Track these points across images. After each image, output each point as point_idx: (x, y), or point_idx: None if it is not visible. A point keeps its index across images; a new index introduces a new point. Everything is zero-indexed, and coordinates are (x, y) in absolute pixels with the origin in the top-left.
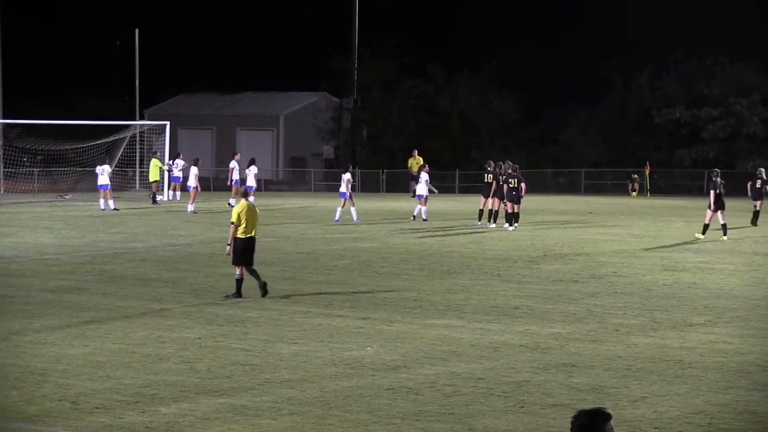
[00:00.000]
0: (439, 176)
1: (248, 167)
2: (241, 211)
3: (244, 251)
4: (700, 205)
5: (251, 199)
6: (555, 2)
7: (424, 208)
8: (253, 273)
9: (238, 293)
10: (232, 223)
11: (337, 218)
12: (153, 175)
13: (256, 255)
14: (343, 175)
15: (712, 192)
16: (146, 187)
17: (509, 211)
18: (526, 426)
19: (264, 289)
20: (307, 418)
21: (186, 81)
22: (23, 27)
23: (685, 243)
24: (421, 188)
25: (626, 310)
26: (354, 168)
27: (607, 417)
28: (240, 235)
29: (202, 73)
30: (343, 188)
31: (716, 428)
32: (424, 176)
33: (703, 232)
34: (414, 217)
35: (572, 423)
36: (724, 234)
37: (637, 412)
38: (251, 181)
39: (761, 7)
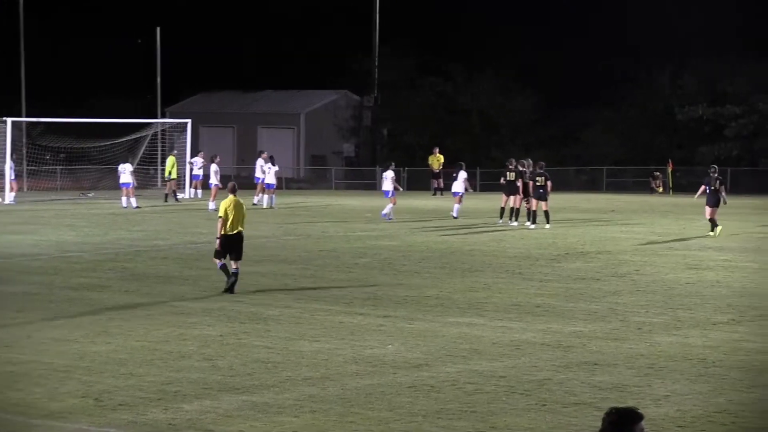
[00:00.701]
0: None
1: (267, 164)
2: (228, 207)
3: (228, 246)
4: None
5: (264, 197)
6: (576, 1)
7: (457, 206)
8: (233, 273)
9: (230, 287)
10: (220, 217)
11: (389, 215)
12: (168, 173)
13: (244, 250)
14: (385, 173)
15: (704, 187)
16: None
17: (533, 208)
18: (548, 424)
19: (229, 290)
20: (328, 415)
21: (207, 79)
22: (45, 26)
23: (708, 240)
24: (458, 186)
25: (649, 308)
26: (375, 166)
27: (638, 417)
28: (230, 231)
29: (223, 72)
30: (388, 186)
31: (739, 427)
32: (463, 174)
33: (712, 229)
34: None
35: (603, 420)
36: (711, 230)
37: (660, 410)
38: (271, 179)
39: None
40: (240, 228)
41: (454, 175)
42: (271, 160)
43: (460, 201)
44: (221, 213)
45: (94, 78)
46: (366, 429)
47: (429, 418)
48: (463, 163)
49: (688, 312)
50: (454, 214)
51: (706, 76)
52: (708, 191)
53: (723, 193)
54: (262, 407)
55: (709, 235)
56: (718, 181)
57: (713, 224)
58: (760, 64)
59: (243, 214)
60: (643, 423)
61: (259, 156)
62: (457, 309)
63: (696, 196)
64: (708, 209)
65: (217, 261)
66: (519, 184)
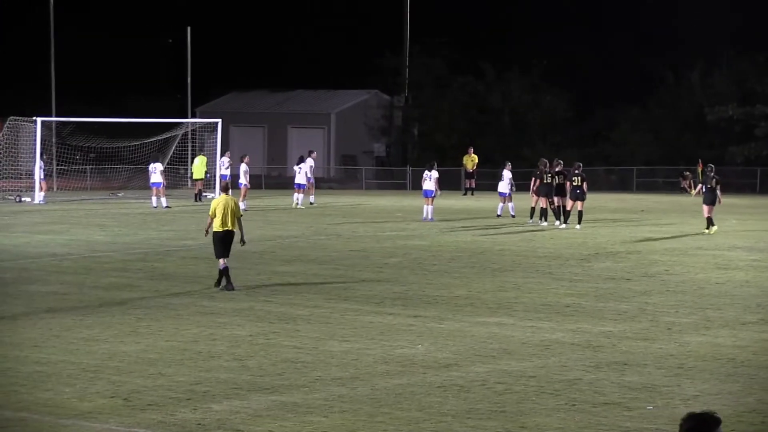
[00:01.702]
0: (490, 174)
1: (298, 165)
2: (217, 205)
3: (222, 243)
4: (753, 203)
5: (295, 195)
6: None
7: (511, 204)
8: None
9: (229, 284)
10: (210, 215)
11: (430, 217)
12: (198, 173)
13: (232, 247)
14: (428, 173)
15: (701, 185)
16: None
17: (569, 208)
18: (577, 424)
19: (218, 285)
20: (357, 415)
21: (237, 79)
22: (75, 26)
23: (738, 240)
24: (503, 186)
25: (678, 308)
26: (406, 165)
27: (716, 423)
28: (217, 228)
29: (254, 71)
30: (430, 186)
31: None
32: (507, 174)
33: (708, 227)
34: (499, 215)
35: (680, 426)
36: (707, 228)
37: (690, 410)
38: (302, 179)
39: None
40: (231, 226)
41: (501, 174)
42: (300, 159)
43: (510, 200)
44: (210, 211)
45: (124, 77)
46: (395, 429)
47: (458, 418)
48: (509, 162)
49: (718, 312)
50: (512, 213)
51: (736, 76)
52: (705, 190)
53: (719, 192)
54: (292, 407)
55: (705, 233)
56: (714, 180)
57: (709, 222)
58: None
59: (232, 212)
60: (720, 428)
61: (309, 155)
62: (486, 309)
63: (694, 194)
64: (705, 207)
65: (221, 262)
66: (539, 183)
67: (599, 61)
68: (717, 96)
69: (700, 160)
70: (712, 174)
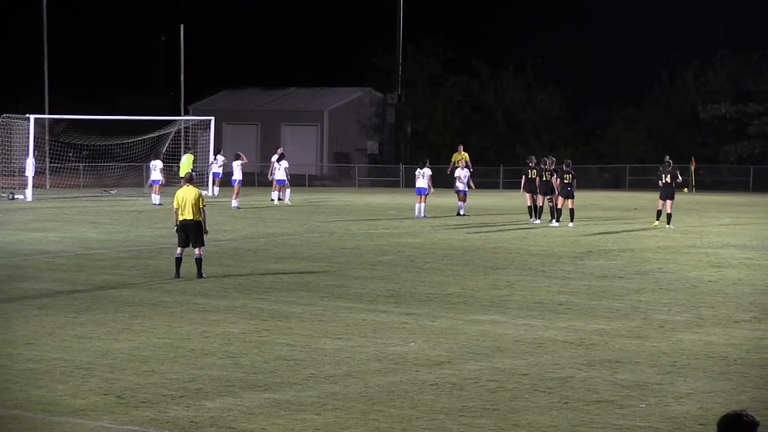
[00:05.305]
0: (484, 172)
1: (278, 161)
2: (177, 196)
3: (182, 232)
4: (747, 201)
5: (287, 192)
6: None
7: (460, 203)
8: (195, 259)
9: (176, 273)
10: (174, 207)
11: (423, 215)
12: (183, 171)
13: (204, 239)
14: (421, 171)
15: (660, 182)
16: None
17: (560, 206)
18: (570, 422)
19: (199, 275)
20: (350, 413)
21: (231, 76)
22: (68, 23)
23: (730, 238)
24: (461, 185)
25: (671, 306)
26: (399, 163)
27: (754, 425)
28: (180, 218)
29: (247, 69)
30: (423, 184)
31: (762, 425)
32: (465, 172)
33: (657, 218)
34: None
35: (718, 424)
36: (668, 223)
37: (683, 408)
38: (282, 175)
39: None
40: (191, 216)
41: (456, 174)
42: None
43: (464, 199)
44: (174, 203)
45: (117, 75)
46: (388, 427)
47: (451, 416)
48: (464, 161)
49: (711, 310)
50: (461, 212)
51: (730, 74)
52: (661, 185)
53: (679, 181)
54: (285, 405)
55: (655, 225)
56: (669, 175)
57: (658, 215)
58: None
59: (193, 201)
60: (758, 429)
61: (276, 153)
62: (479, 307)
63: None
64: (660, 202)
65: (178, 250)
66: (539, 181)
67: (593, 59)
68: (711, 94)
69: (693, 159)
70: (670, 168)
